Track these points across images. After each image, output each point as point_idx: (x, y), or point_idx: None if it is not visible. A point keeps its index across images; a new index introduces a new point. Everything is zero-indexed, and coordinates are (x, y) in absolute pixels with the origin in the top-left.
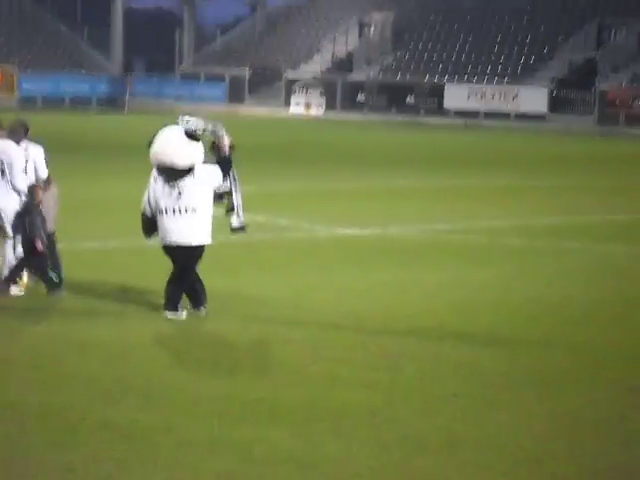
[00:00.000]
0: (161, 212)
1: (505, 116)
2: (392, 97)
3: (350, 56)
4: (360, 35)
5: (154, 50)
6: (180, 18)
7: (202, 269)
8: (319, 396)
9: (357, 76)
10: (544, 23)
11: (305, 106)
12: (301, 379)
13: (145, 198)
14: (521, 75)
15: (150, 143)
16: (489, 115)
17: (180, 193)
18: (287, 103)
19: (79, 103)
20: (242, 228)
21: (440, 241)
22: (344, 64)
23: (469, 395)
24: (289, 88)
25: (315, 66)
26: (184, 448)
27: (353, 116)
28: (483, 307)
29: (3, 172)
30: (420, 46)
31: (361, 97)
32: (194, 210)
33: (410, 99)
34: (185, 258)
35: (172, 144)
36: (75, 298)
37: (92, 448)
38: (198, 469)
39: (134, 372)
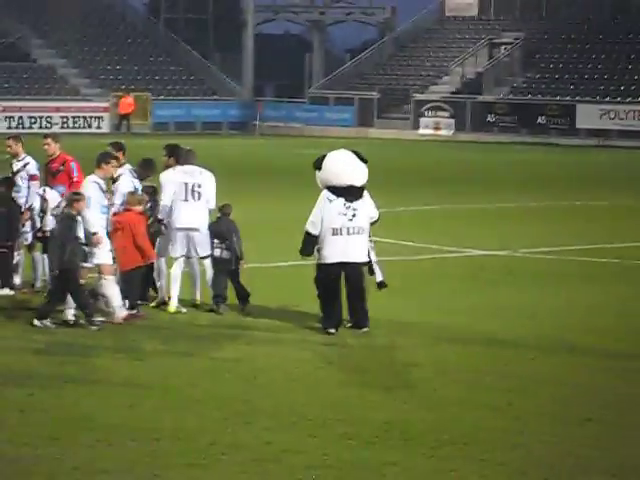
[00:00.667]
0: (335, 231)
1: (639, 135)
2: (522, 117)
3: (479, 77)
4: (490, 56)
5: (284, 75)
6: (310, 43)
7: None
8: (449, 419)
9: (487, 97)
10: None
11: (434, 127)
12: (431, 402)
13: (313, 218)
14: None
15: (317, 165)
16: (622, 134)
17: (355, 214)
18: (416, 125)
19: (210, 128)
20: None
21: (568, 263)
22: (473, 85)
23: (603, 420)
24: (418, 110)
25: (444, 87)
26: (315, 470)
27: (483, 137)
28: (615, 330)
29: (198, 194)
30: (551, 66)
31: (491, 118)
32: (363, 230)
33: (541, 119)
34: (355, 275)
35: (350, 165)
36: (203, 317)
37: (224, 470)
38: None
39: (264, 394)
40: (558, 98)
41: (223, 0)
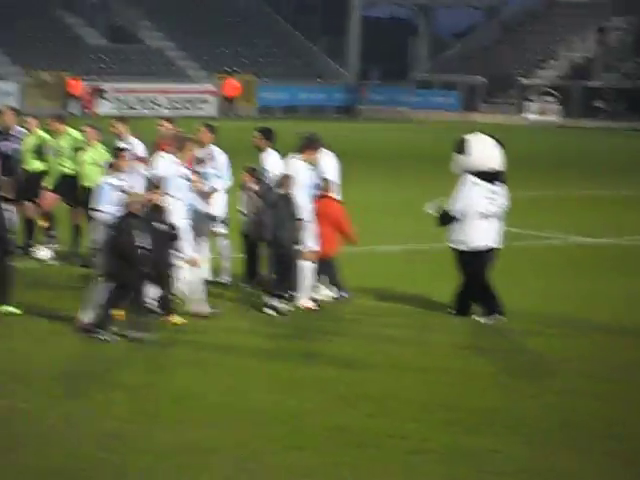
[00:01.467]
0: (481, 216)
1: None
2: (631, 104)
3: (588, 62)
4: (599, 41)
5: (389, 58)
6: (415, 26)
7: (439, 278)
8: (552, 407)
9: (595, 82)
10: None
11: (540, 113)
12: (535, 390)
13: (458, 202)
14: None
15: (460, 149)
16: None
17: (497, 199)
18: (522, 110)
19: (315, 112)
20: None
21: None
22: (581, 70)
23: None
24: (524, 95)
25: (551, 72)
26: (416, 456)
27: (590, 123)
28: None
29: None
30: None
31: (598, 104)
32: (502, 216)
33: None
34: (490, 261)
35: (495, 149)
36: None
37: (326, 453)
38: (430, 477)
39: (368, 378)
40: None
41: None
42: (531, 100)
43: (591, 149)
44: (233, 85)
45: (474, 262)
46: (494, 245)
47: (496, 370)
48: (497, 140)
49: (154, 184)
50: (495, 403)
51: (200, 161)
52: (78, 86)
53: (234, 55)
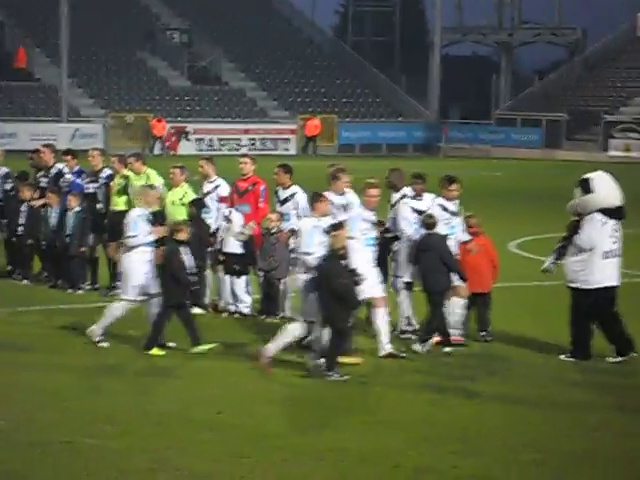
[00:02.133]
0: (606, 255)
1: None
2: None
3: None
4: None
5: (470, 96)
6: (497, 64)
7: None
8: None
9: None
10: None
11: (624, 149)
12: (624, 429)
13: (587, 241)
14: None
15: (586, 188)
16: None
17: (619, 236)
18: (605, 147)
19: (395, 150)
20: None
21: None
22: None
23: None
24: (607, 131)
25: (635, 109)
26: None
27: None
28: None
29: None
30: None
31: None
32: (621, 252)
33: None
34: (615, 299)
35: (617, 186)
36: None
37: None
38: None
39: (451, 417)
40: None
41: (410, 22)
42: (615, 137)
43: None
44: (314, 124)
45: (598, 301)
46: (616, 284)
47: (583, 407)
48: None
49: (338, 226)
50: (583, 445)
51: (283, 202)
52: (161, 127)
53: (315, 95)
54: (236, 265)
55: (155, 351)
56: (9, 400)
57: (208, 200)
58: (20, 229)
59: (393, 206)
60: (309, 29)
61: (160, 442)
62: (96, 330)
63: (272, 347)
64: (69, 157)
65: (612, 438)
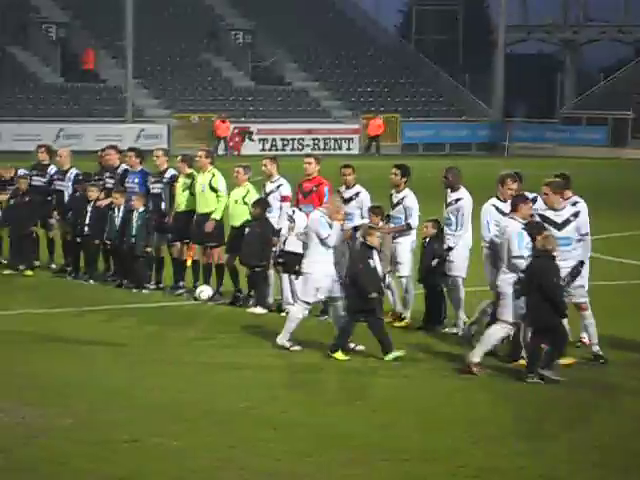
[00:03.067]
0: None
1: None
2: None
3: None
4: None
5: (534, 95)
6: (562, 62)
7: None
8: None
9: None
10: None
11: None
12: None
13: None
14: None
15: None
16: None
17: None
18: None
19: (458, 149)
20: None
21: None
22: None
23: None
24: None
25: None
26: None
27: None
28: None
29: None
30: None
31: None
32: None
33: None
34: None
35: None
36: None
37: None
38: None
39: (517, 416)
40: None
41: (473, 21)
42: None
43: None
44: (377, 124)
45: None
46: None
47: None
48: None
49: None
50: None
51: (347, 201)
52: (225, 127)
53: (378, 94)
54: (296, 264)
55: (339, 355)
56: (76, 398)
57: (271, 199)
58: (86, 229)
59: (449, 205)
60: (372, 28)
61: (224, 441)
62: (282, 339)
63: (477, 352)
64: (132, 154)
65: None
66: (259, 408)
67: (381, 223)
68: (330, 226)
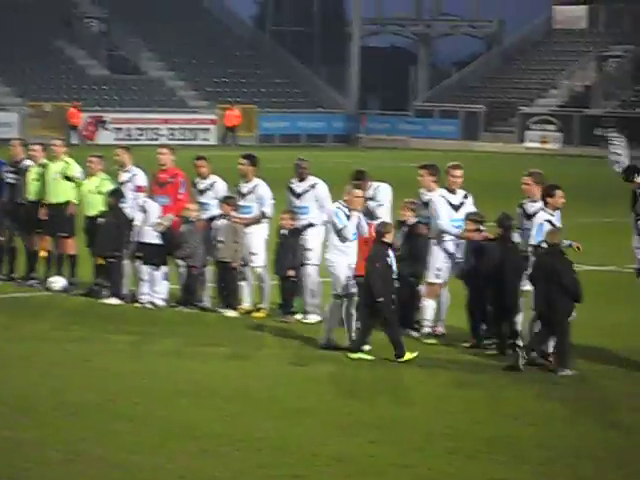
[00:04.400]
0: None
1: None
2: (632, 132)
3: (588, 90)
4: (598, 69)
5: (389, 88)
6: (415, 56)
7: None
8: (555, 436)
9: (595, 110)
10: None
11: (541, 141)
12: (536, 419)
13: None
14: None
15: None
16: None
17: None
18: (522, 138)
19: (315, 140)
20: None
21: None
22: (581, 98)
23: None
24: (524, 123)
25: (551, 101)
26: None
27: (590, 151)
28: None
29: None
30: None
31: (598, 132)
32: None
33: None
34: None
35: None
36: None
37: None
38: None
39: (367, 407)
40: None
41: (329, 13)
42: (531, 128)
43: (592, 177)
44: (234, 115)
45: None
46: None
47: (496, 400)
48: None
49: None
50: (494, 431)
51: (202, 192)
52: (79, 116)
53: (234, 85)
54: (153, 255)
55: (360, 354)
56: None
57: (125, 189)
58: None
59: (303, 194)
60: (229, 19)
61: (77, 433)
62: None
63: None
64: None
65: (526, 426)
66: (112, 400)
67: (234, 213)
68: (348, 217)
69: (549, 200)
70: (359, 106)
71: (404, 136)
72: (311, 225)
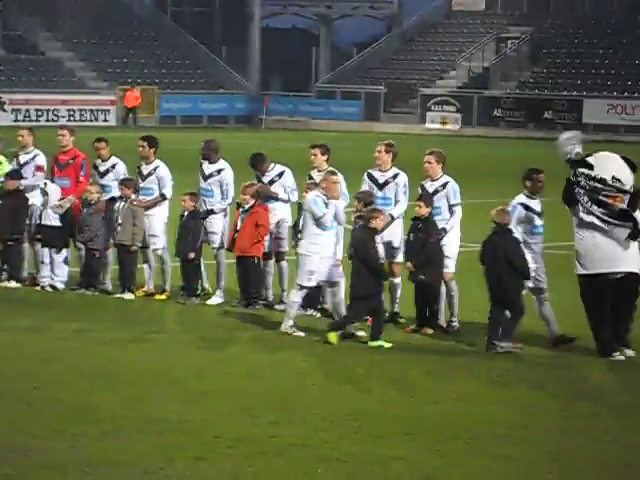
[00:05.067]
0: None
1: None
2: (529, 112)
3: (486, 72)
4: (497, 51)
5: (291, 69)
6: (316, 37)
7: None
8: (455, 413)
9: (494, 92)
10: None
11: (441, 122)
12: (436, 397)
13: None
14: None
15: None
16: (630, 129)
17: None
18: (423, 119)
19: (217, 121)
20: None
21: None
22: (480, 80)
23: (611, 415)
24: (425, 104)
25: (451, 82)
26: (321, 464)
27: (489, 131)
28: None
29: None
30: (558, 61)
31: (498, 113)
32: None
33: (548, 114)
34: (634, 287)
35: (619, 165)
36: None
37: (230, 464)
38: None
39: (271, 388)
40: (565, 93)
41: None
42: (431, 110)
43: (490, 157)
44: (134, 96)
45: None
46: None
47: (396, 380)
48: (628, 161)
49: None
50: (396, 411)
51: (103, 174)
52: None
53: (134, 65)
54: (53, 238)
55: (379, 342)
56: None
57: (26, 171)
58: None
59: (209, 177)
60: None
61: None
62: (285, 325)
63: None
64: None
65: (427, 404)
66: (9, 384)
67: (133, 196)
68: (327, 205)
69: (527, 184)
70: (261, 87)
71: (306, 117)
72: (212, 212)
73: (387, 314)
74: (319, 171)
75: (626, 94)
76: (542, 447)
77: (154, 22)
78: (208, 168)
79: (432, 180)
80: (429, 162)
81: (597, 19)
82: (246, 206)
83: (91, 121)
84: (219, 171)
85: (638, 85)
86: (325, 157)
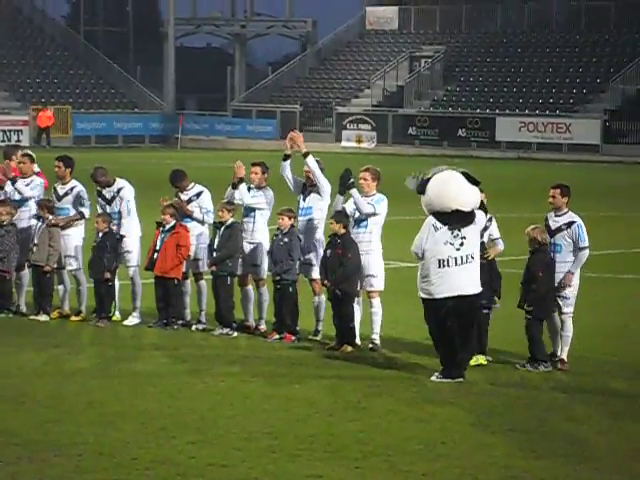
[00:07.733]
0: (443, 263)
1: (558, 147)
2: (443, 130)
3: (401, 90)
4: (410, 69)
5: (206, 88)
6: (231, 56)
7: None
8: (374, 431)
9: (408, 110)
10: (596, 55)
11: (356, 140)
12: (356, 414)
13: (419, 243)
14: (574, 106)
15: (420, 190)
16: (541, 146)
17: (462, 242)
18: (338, 138)
19: (132, 141)
20: None
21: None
22: (395, 98)
23: (525, 430)
24: (340, 123)
25: (366, 100)
26: None
27: (404, 149)
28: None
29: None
30: (471, 79)
31: (412, 131)
32: (473, 257)
33: (461, 132)
34: (469, 309)
35: (455, 188)
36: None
37: None
38: None
39: (188, 409)
40: (478, 111)
41: (143, 13)
42: (347, 128)
43: (403, 175)
44: (47, 115)
45: (435, 313)
46: (468, 292)
47: (317, 397)
48: (469, 177)
49: None
50: (315, 429)
51: (60, 197)
52: None
53: (47, 85)
54: None
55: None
56: None
57: None
58: None
59: (112, 200)
60: (40, 18)
61: None
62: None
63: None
64: None
65: (345, 422)
66: None
67: (51, 216)
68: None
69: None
70: (176, 107)
71: (222, 136)
72: (122, 237)
73: (315, 331)
74: (258, 189)
75: (537, 112)
76: (458, 462)
77: (67, 42)
78: (109, 192)
79: (365, 197)
80: (364, 179)
81: (507, 38)
82: (167, 226)
83: (3, 141)
84: (119, 191)
85: (549, 103)
86: (265, 175)
